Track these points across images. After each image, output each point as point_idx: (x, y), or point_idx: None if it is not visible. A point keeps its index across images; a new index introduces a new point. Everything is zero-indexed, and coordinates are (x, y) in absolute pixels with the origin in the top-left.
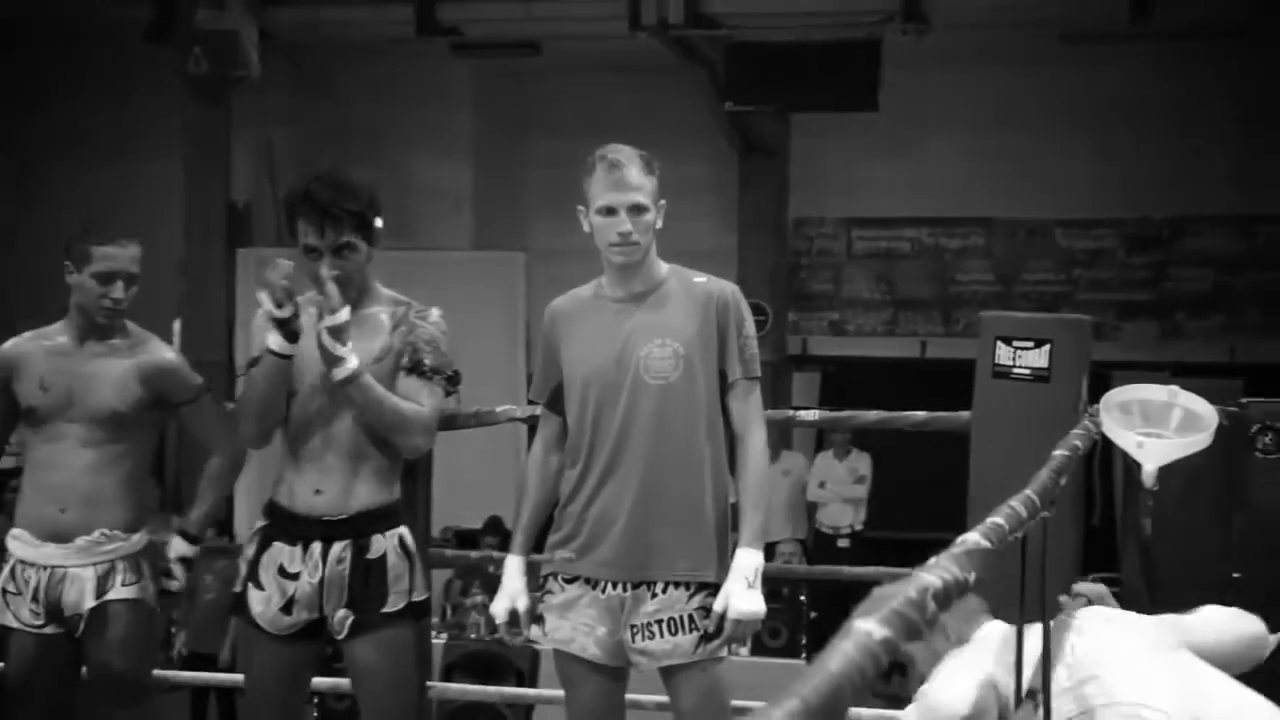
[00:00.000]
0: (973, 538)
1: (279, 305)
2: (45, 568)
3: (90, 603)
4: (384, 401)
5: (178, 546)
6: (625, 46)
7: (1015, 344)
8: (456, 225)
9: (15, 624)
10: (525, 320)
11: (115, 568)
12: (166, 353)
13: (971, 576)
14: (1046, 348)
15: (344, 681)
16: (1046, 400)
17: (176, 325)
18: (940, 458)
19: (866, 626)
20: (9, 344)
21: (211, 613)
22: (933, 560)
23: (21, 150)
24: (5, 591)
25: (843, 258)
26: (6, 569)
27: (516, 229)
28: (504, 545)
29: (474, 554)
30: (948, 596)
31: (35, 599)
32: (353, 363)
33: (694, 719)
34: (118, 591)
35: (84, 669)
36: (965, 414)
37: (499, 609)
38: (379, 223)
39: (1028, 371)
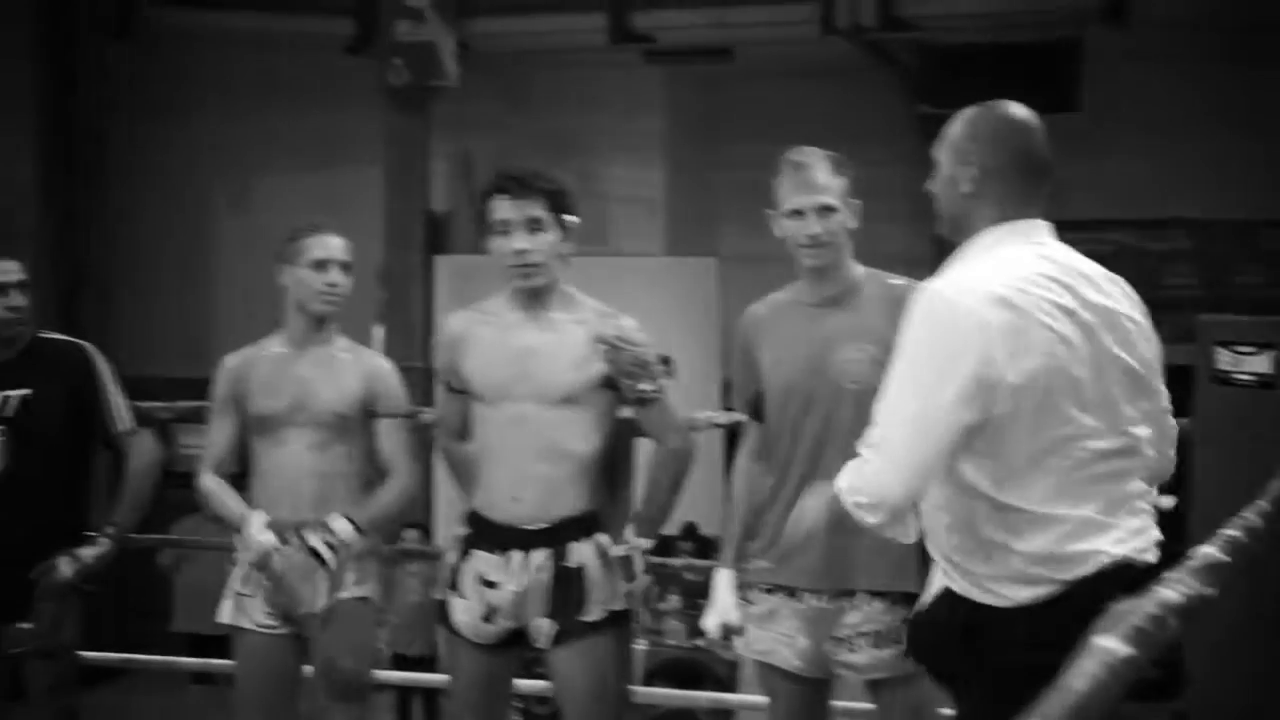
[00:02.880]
0: (1208, 550)
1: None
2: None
3: (324, 602)
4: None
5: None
6: (817, 50)
7: (1236, 349)
8: (650, 231)
9: (249, 625)
10: (719, 326)
11: (345, 566)
12: (383, 361)
13: (1212, 591)
14: (1271, 353)
15: (546, 684)
16: (1272, 407)
17: (377, 332)
18: None
19: (1109, 644)
20: (233, 358)
21: (414, 614)
22: (1171, 574)
23: (227, 160)
24: (238, 594)
25: None
26: (239, 573)
27: (709, 234)
28: (700, 551)
29: (676, 561)
30: (1189, 612)
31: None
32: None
33: None
34: (349, 590)
35: (309, 668)
36: (1182, 421)
37: (711, 624)
38: (571, 218)
39: (1251, 377)
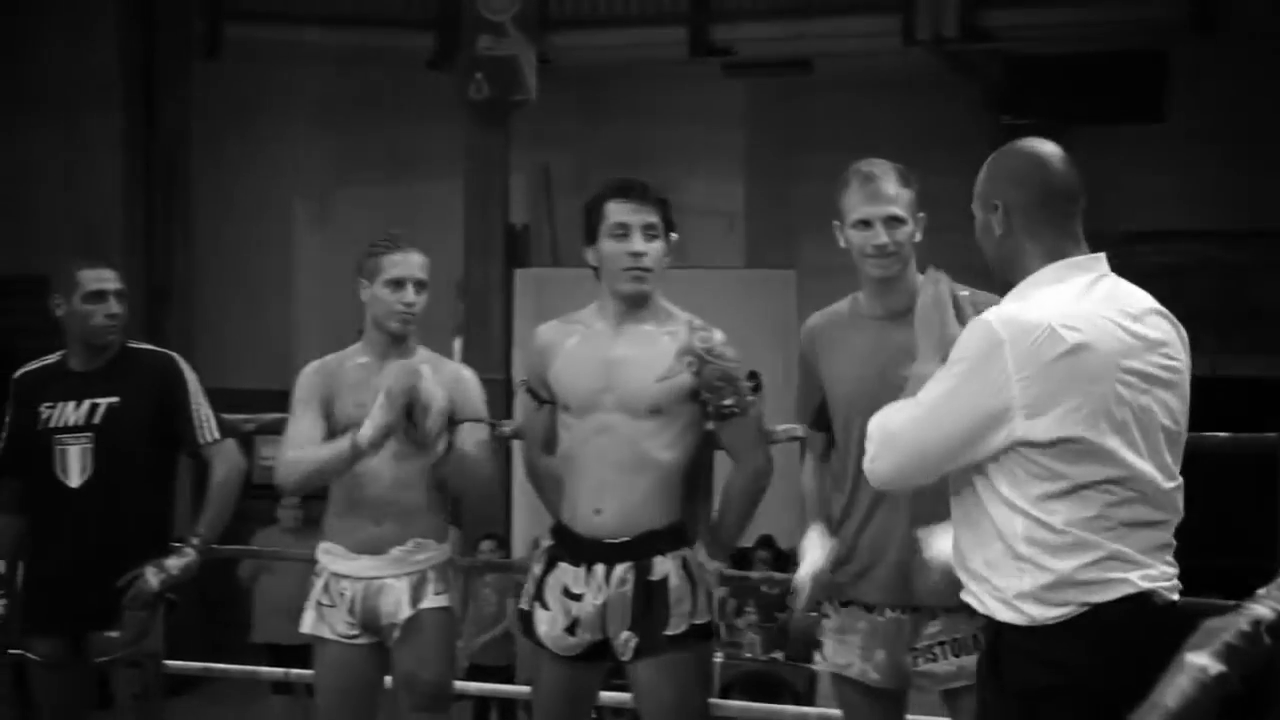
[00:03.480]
0: None
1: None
2: (360, 580)
3: (406, 613)
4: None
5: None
6: (898, 62)
7: None
8: (729, 243)
9: (330, 635)
10: (797, 339)
11: (427, 577)
12: (463, 369)
13: None
14: None
15: (623, 696)
16: None
17: (457, 344)
18: (1237, 480)
19: (1201, 662)
20: (315, 365)
21: (491, 625)
22: (1262, 590)
23: (308, 174)
24: (320, 604)
25: (1124, 273)
26: (320, 583)
27: (788, 247)
28: (777, 563)
29: (754, 574)
30: None
31: (351, 611)
32: None
33: None
34: (430, 600)
35: (389, 678)
36: (1272, 435)
37: (803, 574)
38: (674, 234)
39: None
